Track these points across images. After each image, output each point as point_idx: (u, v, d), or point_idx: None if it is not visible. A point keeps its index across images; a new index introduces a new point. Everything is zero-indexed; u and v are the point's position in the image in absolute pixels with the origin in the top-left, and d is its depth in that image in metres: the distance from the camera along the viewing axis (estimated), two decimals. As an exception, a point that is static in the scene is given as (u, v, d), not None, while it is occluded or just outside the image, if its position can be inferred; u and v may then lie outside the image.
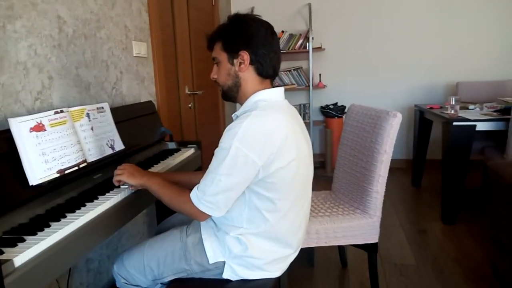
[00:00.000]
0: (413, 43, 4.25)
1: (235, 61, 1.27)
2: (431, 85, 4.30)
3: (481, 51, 4.15)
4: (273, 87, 1.32)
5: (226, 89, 1.32)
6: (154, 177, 1.34)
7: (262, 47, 1.25)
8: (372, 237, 1.82)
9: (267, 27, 1.28)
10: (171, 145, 2.18)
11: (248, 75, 1.28)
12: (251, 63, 1.26)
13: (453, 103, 2.89)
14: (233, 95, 1.33)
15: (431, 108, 3.42)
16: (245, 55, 1.25)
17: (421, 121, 3.62)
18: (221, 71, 1.31)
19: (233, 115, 1.32)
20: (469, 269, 2.23)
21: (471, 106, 3.23)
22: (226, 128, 1.18)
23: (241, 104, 1.32)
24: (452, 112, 2.88)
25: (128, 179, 1.33)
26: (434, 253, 2.44)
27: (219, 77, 1.32)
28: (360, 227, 1.79)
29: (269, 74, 1.30)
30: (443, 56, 4.22)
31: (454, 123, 2.75)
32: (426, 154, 3.73)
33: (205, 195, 1.18)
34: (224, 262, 1.30)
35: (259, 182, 1.20)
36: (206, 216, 1.22)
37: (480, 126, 2.74)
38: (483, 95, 3.67)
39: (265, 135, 1.15)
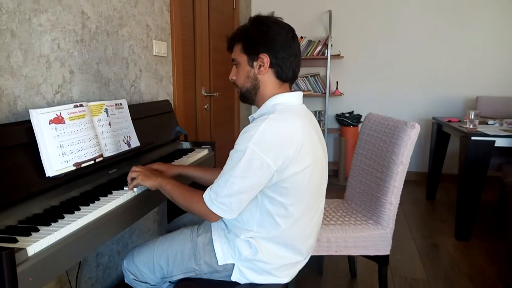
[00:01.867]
0: (433, 54, 4.20)
1: (254, 63, 1.27)
2: (450, 98, 4.24)
3: (502, 66, 4.08)
4: (292, 91, 1.31)
5: (245, 91, 1.32)
6: (168, 178, 1.34)
7: (282, 51, 1.24)
8: (384, 249, 1.79)
9: (288, 30, 1.27)
10: (186, 145, 2.19)
11: (267, 78, 1.27)
12: (271, 66, 1.25)
13: (472, 117, 2.84)
14: (251, 98, 1.32)
15: (449, 121, 3.36)
16: (265, 58, 1.24)
17: (439, 134, 3.56)
18: (240, 72, 1.30)
19: (249, 117, 1.32)
20: (482, 286, 2.18)
21: (490, 121, 3.17)
22: (243, 130, 1.17)
23: (259, 107, 1.31)
24: (471, 126, 2.83)
25: (143, 181, 1.33)
26: (446, 269, 2.39)
27: (238, 78, 1.32)
28: (372, 238, 1.77)
29: (288, 78, 1.29)
30: (464, 69, 4.16)
31: (473, 138, 2.70)
32: (442, 167, 3.67)
33: (218, 197, 1.17)
34: (233, 265, 1.29)
35: (273, 186, 1.19)
36: (217, 218, 1.21)
37: (499, 142, 2.68)
38: (503, 111, 3.60)
39: (282, 140, 1.14)
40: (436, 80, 4.24)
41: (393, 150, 1.74)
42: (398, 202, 1.78)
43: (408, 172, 1.77)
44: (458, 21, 4.10)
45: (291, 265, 1.31)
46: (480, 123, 3.03)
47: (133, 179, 1.34)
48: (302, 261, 1.35)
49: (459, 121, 3.35)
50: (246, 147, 1.13)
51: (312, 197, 1.27)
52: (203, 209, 1.20)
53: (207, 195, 1.20)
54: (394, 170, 1.72)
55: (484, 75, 4.13)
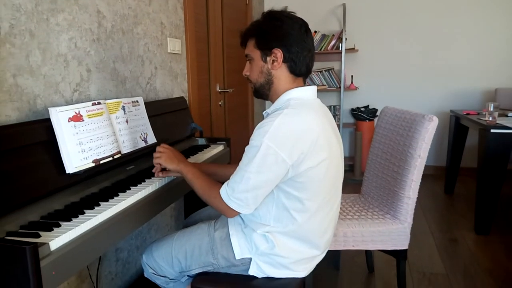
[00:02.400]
0: (450, 46, 4.12)
1: (268, 58, 1.26)
2: (468, 90, 4.16)
3: (523, 57, 3.98)
4: (306, 85, 1.31)
5: (258, 87, 1.32)
6: (191, 166, 1.35)
7: (295, 45, 1.23)
8: (402, 243, 1.77)
9: (301, 24, 1.26)
10: (201, 141, 2.20)
11: (280, 73, 1.27)
12: (284, 61, 1.25)
13: (492, 109, 2.78)
14: (265, 93, 1.32)
15: (467, 114, 3.30)
16: (278, 53, 1.24)
17: (457, 127, 3.50)
18: (253, 68, 1.30)
19: (264, 113, 1.32)
20: (502, 280, 2.14)
21: (510, 114, 3.11)
22: (257, 126, 1.18)
23: (273, 102, 1.31)
24: (490, 119, 2.77)
25: (165, 162, 1.36)
26: (465, 263, 2.35)
27: (252, 74, 1.32)
28: (390, 232, 1.75)
29: (302, 72, 1.28)
30: (482, 61, 4.07)
31: (492, 131, 2.64)
32: (460, 161, 3.61)
33: (234, 192, 1.18)
34: (250, 259, 1.30)
35: (289, 181, 1.19)
36: (234, 213, 1.22)
37: (520, 134, 2.62)
38: (524, 103, 3.52)
39: (296, 134, 1.14)
40: (453, 72, 4.16)
41: (410, 144, 1.72)
42: (416, 196, 1.76)
43: (425, 166, 1.74)
44: (475, 12, 4.02)
45: (308, 259, 1.31)
46: (500, 115, 2.97)
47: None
48: (320, 256, 1.35)
49: (478, 113, 3.29)
50: (261, 142, 1.13)
51: (328, 192, 1.27)
52: (221, 205, 1.21)
53: (224, 191, 1.21)
54: (411, 163, 1.70)
55: (503, 66, 4.03)
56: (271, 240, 1.26)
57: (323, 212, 1.28)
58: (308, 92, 1.28)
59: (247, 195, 1.17)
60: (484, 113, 2.92)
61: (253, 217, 1.29)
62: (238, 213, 1.23)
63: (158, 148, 1.40)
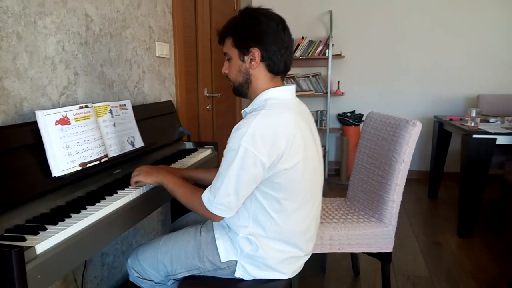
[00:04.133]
0: (434, 53, 4.21)
1: (246, 57, 1.26)
2: (451, 96, 4.25)
3: (503, 64, 4.09)
4: (286, 82, 1.31)
5: (237, 85, 1.32)
6: (170, 176, 1.35)
7: (273, 44, 1.23)
8: (386, 246, 1.80)
9: (278, 22, 1.25)
10: (189, 145, 2.21)
11: (259, 72, 1.27)
12: (262, 60, 1.25)
13: (474, 115, 2.85)
14: (243, 91, 1.32)
15: (450, 119, 3.37)
16: (256, 52, 1.24)
17: (440, 133, 3.57)
18: (232, 67, 1.31)
19: (242, 112, 1.32)
20: (485, 283, 2.19)
21: (491, 119, 3.18)
22: (234, 127, 1.17)
23: (252, 100, 1.31)
24: (473, 124, 2.83)
25: (145, 178, 1.36)
26: (449, 266, 2.40)
27: (230, 72, 1.32)
28: (374, 235, 1.78)
29: (280, 71, 1.28)
30: (465, 68, 4.17)
31: (474, 136, 2.71)
32: (444, 166, 3.68)
33: (215, 198, 1.18)
34: (236, 261, 1.30)
35: (265, 181, 1.20)
36: (219, 218, 1.23)
37: (501, 140, 2.69)
38: (505, 109, 3.61)
39: (273, 136, 1.14)
40: (437, 78, 4.25)
41: (394, 148, 1.75)
42: (400, 199, 1.79)
43: (410, 171, 1.78)
44: (459, 20, 4.12)
45: (292, 259, 1.32)
46: (482, 121, 3.04)
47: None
48: (303, 256, 1.36)
49: (461, 119, 3.36)
50: (239, 145, 1.13)
51: (307, 192, 1.27)
52: (204, 211, 1.22)
53: (206, 197, 1.21)
54: (396, 168, 1.74)
55: (485, 73, 4.14)
56: (254, 242, 1.27)
57: (303, 212, 1.28)
58: (286, 92, 1.28)
59: (228, 199, 1.18)
60: (467, 118, 2.98)
61: (233, 219, 1.29)
62: (222, 218, 1.23)
63: (135, 169, 1.39)
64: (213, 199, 1.19)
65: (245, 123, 1.15)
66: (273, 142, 1.14)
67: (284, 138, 1.15)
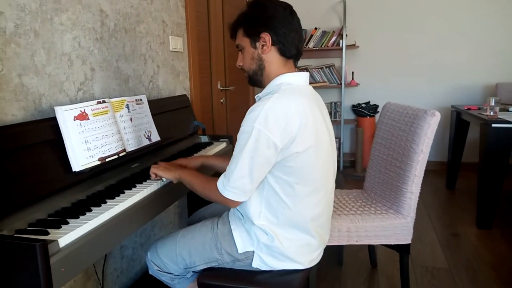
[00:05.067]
0: (451, 41, 4.12)
1: (257, 44, 1.28)
2: (468, 85, 4.16)
3: (524, 51, 3.99)
4: (299, 70, 1.32)
5: (251, 74, 1.33)
6: (187, 169, 1.38)
7: (282, 27, 1.25)
8: (405, 238, 1.78)
9: (286, 7, 1.28)
10: (204, 139, 2.22)
11: (271, 57, 1.28)
12: (273, 43, 1.26)
13: (493, 104, 2.79)
14: (258, 79, 1.33)
15: (468, 109, 3.31)
16: (266, 37, 1.25)
17: (458, 122, 3.51)
18: (245, 56, 1.32)
19: (256, 96, 1.33)
20: (505, 273, 2.15)
21: (511, 108, 3.11)
22: (248, 110, 1.18)
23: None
24: (491, 113, 2.77)
25: (163, 172, 1.38)
26: (468, 257, 2.37)
27: (244, 63, 1.34)
28: (393, 227, 1.76)
29: (292, 54, 1.29)
30: (482, 56, 4.07)
31: (493, 125, 2.65)
32: (462, 156, 3.62)
33: (229, 181, 1.19)
34: (253, 252, 1.31)
35: (278, 165, 1.20)
36: (235, 203, 1.23)
37: (521, 129, 2.63)
38: (525, 97, 3.52)
39: (286, 118, 1.14)
40: (454, 67, 4.16)
41: (413, 139, 1.72)
42: (419, 191, 1.77)
43: (427, 162, 1.75)
44: (476, 7, 4.01)
45: (306, 248, 1.32)
46: (501, 110, 2.97)
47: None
48: (318, 246, 1.35)
49: (479, 108, 3.29)
50: (252, 127, 1.14)
51: (319, 178, 1.27)
52: (221, 197, 1.23)
53: (221, 182, 1.22)
54: (414, 159, 1.71)
55: (504, 61, 4.03)
56: (269, 233, 1.27)
57: (315, 198, 1.28)
58: (299, 78, 1.30)
59: (242, 182, 1.18)
60: (485, 108, 2.92)
61: (246, 207, 1.29)
62: (239, 202, 1.23)
63: (152, 165, 1.42)
64: (227, 183, 1.20)
65: (258, 105, 1.16)
66: (286, 124, 1.14)
67: (297, 120, 1.16)
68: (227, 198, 1.21)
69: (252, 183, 1.19)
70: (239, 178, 1.18)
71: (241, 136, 1.18)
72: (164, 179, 1.40)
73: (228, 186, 1.20)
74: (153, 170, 1.39)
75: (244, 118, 1.18)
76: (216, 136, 2.25)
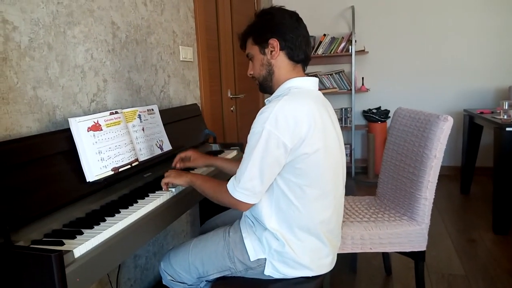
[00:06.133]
0: (461, 45, 4.09)
1: (266, 50, 1.31)
2: (481, 89, 4.11)
3: (536, 53, 3.93)
4: (307, 75, 1.34)
5: (262, 80, 1.36)
6: (198, 174, 1.39)
7: (289, 32, 1.28)
8: (419, 245, 1.76)
9: (292, 14, 1.32)
10: (215, 147, 2.22)
11: (280, 62, 1.31)
12: (281, 48, 1.29)
13: (506, 107, 2.75)
14: (268, 85, 1.36)
15: (481, 113, 3.27)
16: (274, 42, 1.29)
17: (471, 127, 3.47)
18: (255, 64, 1.35)
19: (265, 100, 1.34)
20: (524, 282, 2.11)
21: (525, 111, 3.06)
22: (258, 112, 1.20)
23: None
24: (505, 117, 2.74)
25: (175, 179, 1.39)
26: (485, 264, 2.32)
27: (255, 71, 1.37)
28: (407, 234, 1.74)
29: (300, 58, 1.32)
30: (494, 59, 4.03)
31: (507, 129, 2.61)
32: (476, 160, 3.57)
33: (240, 183, 1.19)
34: (265, 259, 1.30)
35: (287, 167, 1.21)
36: (246, 205, 1.23)
37: (536, 132, 2.59)
38: (539, 100, 3.47)
39: (295, 119, 1.16)
40: (465, 71, 4.12)
41: (425, 145, 1.71)
42: (433, 197, 1.74)
43: (440, 167, 1.73)
44: (485, 10, 3.98)
45: (316, 252, 1.31)
46: (515, 113, 2.93)
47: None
48: (328, 252, 1.34)
49: (492, 112, 3.25)
50: (262, 128, 1.15)
51: (328, 181, 1.27)
52: (230, 199, 1.23)
53: (231, 184, 1.23)
54: (427, 164, 1.69)
55: (517, 63, 3.98)
56: (280, 238, 1.27)
57: (325, 202, 1.28)
58: (309, 83, 1.32)
59: (253, 183, 1.18)
60: (499, 111, 2.89)
61: (257, 210, 1.29)
62: (250, 205, 1.23)
63: (165, 174, 1.43)
64: (238, 184, 1.20)
65: (268, 107, 1.18)
66: (295, 124, 1.16)
67: (306, 122, 1.17)
68: (238, 200, 1.21)
69: (263, 184, 1.20)
70: (250, 179, 1.18)
71: (251, 137, 1.19)
72: (173, 190, 1.40)
73: (239, 188, 1.20)
74: (165, 180, 1.40)
75: (254, 120, 1.20)
76: (227, 144, 2.26)
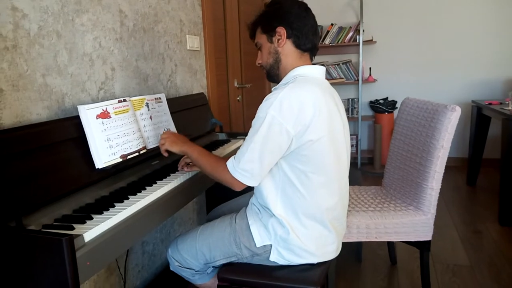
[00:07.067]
0: (470, 35, 4.04)
1: (273, 38, 1.33)
2: (489, 79, 4.07)
3: (547, 44, 3.87)
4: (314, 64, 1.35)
5: (269, 68, 1.38)
6: (195, 146, 1.39)
7: (297, 21, 1.30)
8: (425, 235, 1.76)
9: (300, 4, 1.33)
10: (222, 136, 2.23)
11: (287, 49, 1.33)
12: (288, 36, 1.31)
13: (515, 98, 2.73)
14: (275, 73, 1.37)
15: (489, 104, 3.24)
16: (281, 30, 1.30)
17: (479, 118, 3.44)
18: (263, 53, 1.37)
19: (272, 88, 1.35)
20: (530, 273, 2.11)
21: (534, 102, 3.03)
22: (264, 99, 1.22)
23: None
24: (514, 108, 2.72)
25: (170, 146, 1.40)
26: (490, 255, 2.32)
27: (262, 59, 1.38)
28: (413, 223, 1.75)
29: (307, 47, 1.33)
30: (503, 50, 3.98)
31: (516, 120, 2.59)
32: (483, 152, 3.54)
33: (240, 163, 1.21)
34: (271, 246, 1.32)
35: (293, 154, 1.22)
36: (241, 185, 1.24)
37: (545, 123, 2.57)
38: (549, 91, 3.43)
39: (300, 105, 1.17)
40: (473, 62, 4.08)
41: (433, 135, 1.70)
42: (440, 187, 1.74)
43: (447, 158, 1.73)
44: (495, 1, 3.92)
45: (321, 239, 1.32)
46: (524, 104, 2.90)
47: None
48: (333, 237, 1.35)
49: (500, 103, 3.22)
50: (266, 113, 1.18)
51: (333, 169, 1.28)
52: (228, 177, 1.24)
53: (231, 162, 1.24)
54: (434, 154, 1.69)
55: (527, 54, 3.93)
56: (285, 225, 1.28)
57: (329, 189, 1.29)
58: (316, 71, 1.33)
59: (252, 165, 1.20)
60: (507, 102, 2.86)
61: (262, 195, 1.31)
62: (244, 186, 1.24)
63: (161, 136, 1.44)
64: (238, 165, 1.21)
65: (273, 93, 1.21)
66: (299, 111, 1.17)
67: (310, 109, 1.18)
68: (236, 179, 1.23)
69: (261, 168, 1.21)
70: (249, 161, 1.20)
71: (255, 121, 1.21)
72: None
73: (238, 168, 1.21)
74: (163, 147, 1.41)
75: (260, 106, 1.22)
76: (233, 133, 2.27)
